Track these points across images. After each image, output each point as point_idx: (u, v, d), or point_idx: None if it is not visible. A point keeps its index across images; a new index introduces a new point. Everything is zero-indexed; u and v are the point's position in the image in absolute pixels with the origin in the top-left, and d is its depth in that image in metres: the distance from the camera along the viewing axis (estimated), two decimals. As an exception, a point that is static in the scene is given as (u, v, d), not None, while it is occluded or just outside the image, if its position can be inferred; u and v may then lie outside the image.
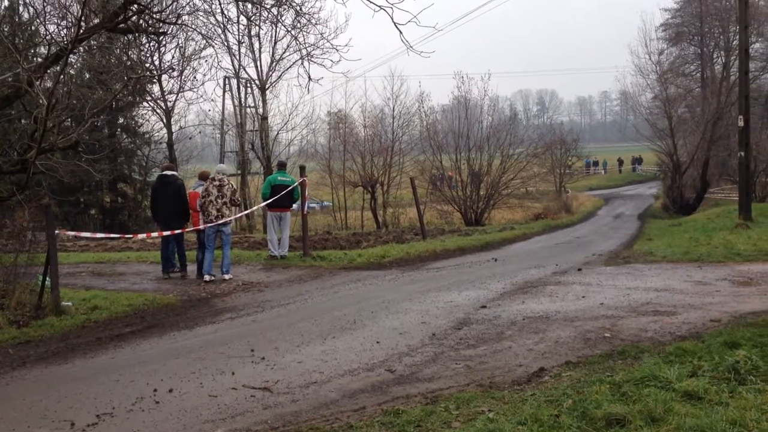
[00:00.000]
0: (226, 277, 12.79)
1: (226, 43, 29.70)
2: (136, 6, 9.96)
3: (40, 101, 8.46)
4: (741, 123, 20.92)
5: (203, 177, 14.04)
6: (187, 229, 13.69)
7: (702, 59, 54.68)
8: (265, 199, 15.26)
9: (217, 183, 13.14)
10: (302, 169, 16.38)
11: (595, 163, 76.61)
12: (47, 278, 9.90)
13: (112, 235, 17.29)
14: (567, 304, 9.36)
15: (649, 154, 50.82)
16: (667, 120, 38.09)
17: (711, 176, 38.40)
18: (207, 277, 12.78)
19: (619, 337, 7.33)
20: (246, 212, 30.48)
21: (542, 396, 5.36)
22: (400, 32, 9.99)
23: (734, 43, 38.11)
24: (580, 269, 12.95)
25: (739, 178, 22.48)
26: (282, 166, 16.79)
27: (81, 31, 9.07)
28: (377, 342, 7.65)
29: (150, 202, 14.89)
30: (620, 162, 78.64)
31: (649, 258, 14.05)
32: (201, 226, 13.30)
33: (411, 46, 10.50)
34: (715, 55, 52.81)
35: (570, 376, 5.93)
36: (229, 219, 13.36)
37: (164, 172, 13.90)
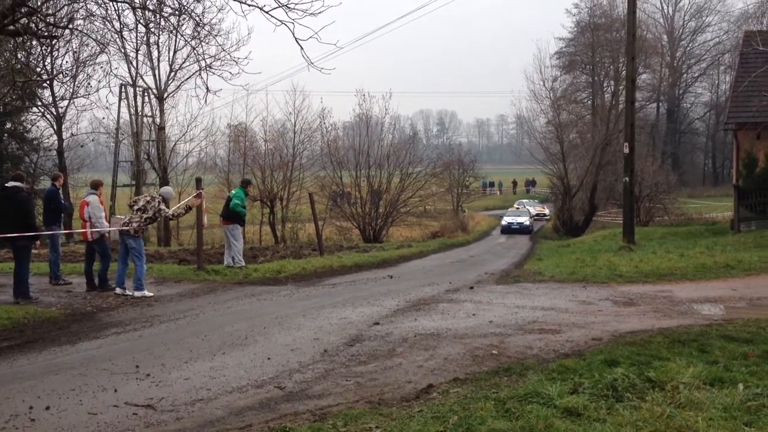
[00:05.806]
0: (137, 294, 12.08)
1: (123, 50, 28.95)
2: (25, 8, 9.57)
3: None
4: (626, 150, 21.95)
5: (95, 186, 13.52)
6: (36, 245, 12.43)
7: (593, 87, 57.34)
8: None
9: (148, 198, 12.87)
10: (198, 181, 16.09)
11: (491, 184, 78.75)
12: None
13: None
14: (458, 321, 9.52)
15: (542, 177, 52.62)
16: (559, 145, 39.63)
17: (599, 200, 40.12)
18: (118, 290, 12.29)
19: (506, 355, 7.51)
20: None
21: (429, 412, 5.41)
22: (302, 48, 10.08)
23: (623, 73, 40.15)
24: (472, 287, 13.21)
25: (624, 203, 23.57)
26: (242, 183, 17.59)
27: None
28: (268, 358, 7.56)
29: None
30: (514, 184, 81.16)
31: (537, 277, 14.48)
32: (90, 238, 12.83)
33: (312, 62, 10.54)
34: (605, 84, 55.53)
35: (457, 393, 6.01)
36: (123, 228, 12.48)
37: (7, 183, 12.02)
